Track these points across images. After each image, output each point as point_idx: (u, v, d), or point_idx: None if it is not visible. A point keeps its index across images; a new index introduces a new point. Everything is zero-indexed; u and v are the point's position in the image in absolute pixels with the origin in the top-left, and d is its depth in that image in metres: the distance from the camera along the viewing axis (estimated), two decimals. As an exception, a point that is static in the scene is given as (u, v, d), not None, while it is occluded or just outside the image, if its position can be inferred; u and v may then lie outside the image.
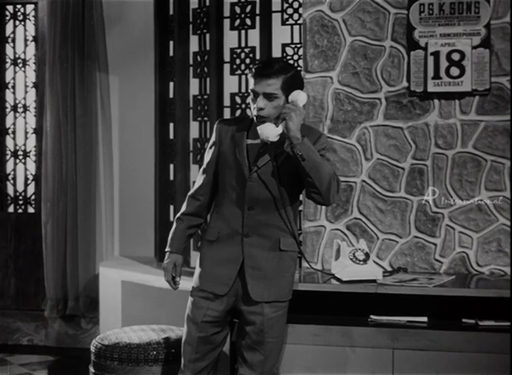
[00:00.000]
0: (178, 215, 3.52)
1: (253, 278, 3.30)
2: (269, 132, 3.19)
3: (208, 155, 3.45)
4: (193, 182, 5.13)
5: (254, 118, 3.26)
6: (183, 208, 3.50)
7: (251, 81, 3.23)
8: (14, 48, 6.30)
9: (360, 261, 3.69)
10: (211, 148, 3.44)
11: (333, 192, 3.25)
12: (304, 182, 3.24)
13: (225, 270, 3.33)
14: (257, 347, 3.33)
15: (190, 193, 3.52)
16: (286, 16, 4.76)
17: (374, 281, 3.64)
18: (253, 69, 3.24)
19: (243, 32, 4.90)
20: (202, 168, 3.48)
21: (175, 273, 3.47)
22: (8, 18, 6.30)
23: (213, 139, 3.44)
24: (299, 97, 3.21)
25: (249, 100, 3.30)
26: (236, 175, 3.32)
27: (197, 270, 3.43)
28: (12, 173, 6.34)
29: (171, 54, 5.38)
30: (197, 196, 3.47)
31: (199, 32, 5.10)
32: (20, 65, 6.29)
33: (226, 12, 4.93)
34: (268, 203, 3.31)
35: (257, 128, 3.23)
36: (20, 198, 6.33)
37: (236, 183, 3.33)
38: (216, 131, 3.42)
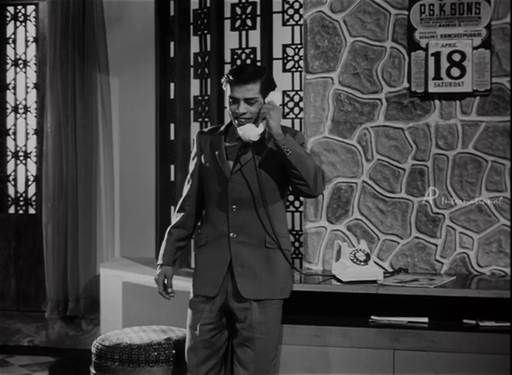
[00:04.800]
0: (168, 228, 3.59)
1: (242, 276, 3.35)
2: (251, 132, 3.29)
3: (191, 167, 3.54)
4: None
5: (235, 121, 3.35)
6: (173, 222, 3.58)
7: (229, 88, 3.33)
8: (15, 48, 6.31)
9: (360, 262, 3.69)
10: (193, 159, 3.53)
11: (320, 182, 3.35)
12: (291, 176, 3.31)
13: (215, 272, 3.39)
14: (247, 343, 3.36)
15: (177, 207, 3.59)
16: (286, 17, 4.77)
17: (374, 282, 3.64)
18: (229, 77, 3.33)
19: (243, 33, 4.90)
20: (187, 179, 3.56)
21: (166, 284, 3.52)
22: (9, 19, 6.31)
23: (194, 150, 3.53)
24: (274, 97, 3.33)
25: (227, 105, 3.37)
26: (218, 178, 3.40)
27: (193, 277, 3.52)
28: (13, 173, 6.35)
29: (171, 55, 5.39)
30: (184, 207, 3.54)
31: (200, 33, 5.10)
32: (21, 66, 6.30)
33: (227, 13, 4.94)
34: (251, 202, 3.37)
35: (238, 129, 3.33)
36: (21, 199, 6.33)
37: (218, 185, 3.40)
38: (197, 142, 3.51)
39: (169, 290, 3.52)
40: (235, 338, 3.43)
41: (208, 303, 3.40)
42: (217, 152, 3.41)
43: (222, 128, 3.50)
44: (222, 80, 3.39)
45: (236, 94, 3.31)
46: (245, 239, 3.37)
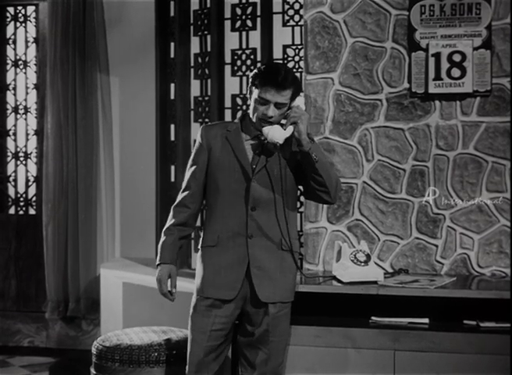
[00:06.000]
0: (167, 226, 3.44)
1: (259, 279, 3.29)
2: (277, 134, 3.22)
3: (194, 163, 3.41)
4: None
5: (258, 120, 3.26)
6: (172, 220, 3.44)
7: (262, 88, 3.21)
8: (15, 49, 6.31)
9: (361, 262, 3.69)
10: (198, 154, 3.40)
11: (339, 190, 3.34)
12: (313, 182, 3.26)
13: (231, 274, 3.31)
14: (260, 346, 3.33)
15: (175, 204, 3.45)
16: (287, 18, 4.77)
17: (375, 283, 3.64)
18: (265, 77, 3.22)
19: (244, 33, 4.90)
20: (188, 176, 3.41)
21: (170, 284, 3.40)
22: (9, 19, 6.30)
23: (199, 145, 3.40)
24: (301, 102, 3.28)
25: (252, 102, 3.27)
26: (236, 176, 3.31)
27: (198, 279, 3.38)
28: (13, 174, 6.35)
29: (172, 55, 5.38)
30: (187, 204, 3.41)
31: (200, 33, 5.10)
32: (21, 66, 6.29)
33: (227, 14, 4.93)
34: (270, 203, 3.31)
35: (264, 129, 3.25)
36: (21, 199, 6.33)
37: (235, 184, 3.31)
38: (203, 137, 3.39)
39: (173, 290, 3.40)
40: (244, 339, 3.38)
41: (221, 307, 3.31)
42: (237, 150, 3.32)
43: (236, 125, 3.39)
44: (252, 74, 3.27)
45: (269, 96, 3.20)
46: (262, 241, 3.30)
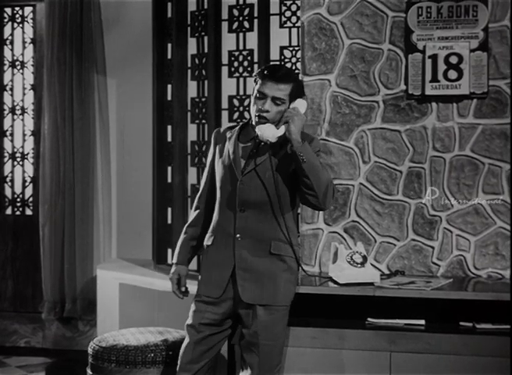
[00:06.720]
0: (185, 227, 3.57)
1: (244, 280, 3.31)
2: (269, 133, 3.22)
3: (207, 165, 3.50)
4: (191, 185, 5.14)
5: (255, 118, 3.27)
6: (188, 220, 3.56)
7: (260, 82, 3.25)
8: (12, 50, 6.30)
9: (357, 264, 3.69)
10: (208, 157, 3.50)
11: (329, 197, 3.27)
12: (301, 184, 3.24)
13: (220, 273, 3.35)
14: (252, 348, 3.33)
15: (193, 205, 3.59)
16: (284, 19, 4.77)
17: (371, 284, 3.64)
18: (265, 71, 3.26)
19: (241, 35, 4.90)
20: (203, 177, 3.53)
21: (179, 283, 3.50)
22: (6, 20, 6.30)
23: (210, 148, 3.49)
24: (300, 104, 3.27)
25: (252, 99, 3.29)
26: (229, 177, 3.34)
27: (199, 277, 3.47)
28: (10, 175, 6.34)
29: (169, 56, 5.38)
30: (198, 205, 3.53)
31: (197, 34, 5.10)
32: (18, 67, 6.29)
33: (224, 15, 4.93)
34: (260, 205, 3.31)
35: (257, 127, 3.25)
36: (18, 200, 6.33)
37: (228, 185, 3.35)
38: (213, 140, 3.48)
39: (183, 289, 3.50)
40: (241, 340, 3.39)
41: (212, 304, 3.35)
42: (230, 151, 3.36)
43: (237, 127, 3.44)
44: (254, 74, 3.31)
45: (266, 90, 3.22)
46: (250, 243, 3.31)
